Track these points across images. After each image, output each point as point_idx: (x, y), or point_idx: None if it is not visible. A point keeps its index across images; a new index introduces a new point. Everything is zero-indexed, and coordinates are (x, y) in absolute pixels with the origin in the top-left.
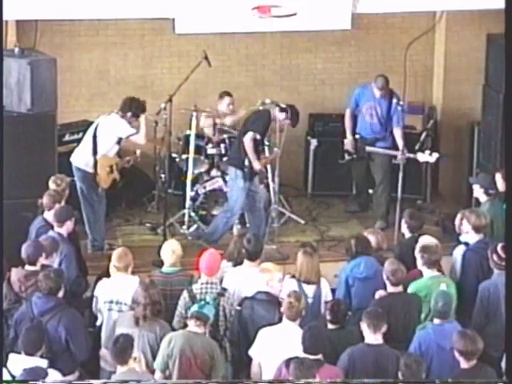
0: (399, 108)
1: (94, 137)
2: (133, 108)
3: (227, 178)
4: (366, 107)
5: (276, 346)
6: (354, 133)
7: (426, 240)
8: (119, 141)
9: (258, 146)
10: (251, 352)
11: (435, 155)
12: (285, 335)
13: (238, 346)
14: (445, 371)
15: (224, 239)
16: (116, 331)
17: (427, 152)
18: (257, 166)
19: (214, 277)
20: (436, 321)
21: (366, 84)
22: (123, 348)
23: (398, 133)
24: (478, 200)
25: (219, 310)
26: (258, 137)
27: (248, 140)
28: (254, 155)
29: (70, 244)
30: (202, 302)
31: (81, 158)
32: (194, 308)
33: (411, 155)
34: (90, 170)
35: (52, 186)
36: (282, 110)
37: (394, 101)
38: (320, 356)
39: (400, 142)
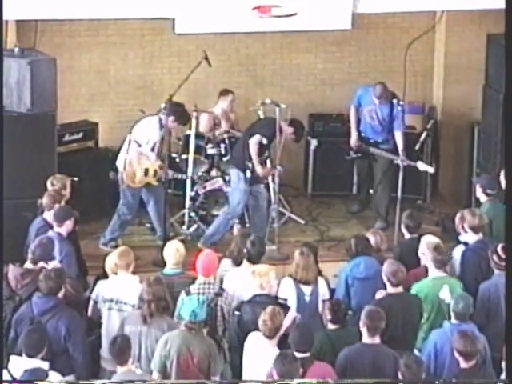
0: (399, 108)
1: (130, 133)
2: (173, 112)
3: (227, 178)
4: (366, 110)
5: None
6: (358, 130)
7: (429, 239)
8: (153, 145)
9: (263, 151)
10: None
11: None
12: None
13: (239, 350)
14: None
15: (223, 239)
16: (124, 330)
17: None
18: (259, 170)
19: (212, 277)
20: (454, 321)
21: (367, 86)
22: (121, 348)
23: (398, 136)
24: (479, 200)
25: (217, 310)
26: (265, 141)
27: (254, 143)
28: (257, 159)
29: (70, 244)
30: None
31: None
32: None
33: (411, 163)
34: (121, 166)
35: (48, 186)
36: (290, 124)
37: (395, 101)
38: (308, 354)
39: (400, 146)
